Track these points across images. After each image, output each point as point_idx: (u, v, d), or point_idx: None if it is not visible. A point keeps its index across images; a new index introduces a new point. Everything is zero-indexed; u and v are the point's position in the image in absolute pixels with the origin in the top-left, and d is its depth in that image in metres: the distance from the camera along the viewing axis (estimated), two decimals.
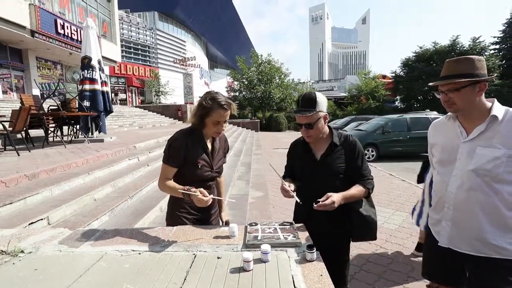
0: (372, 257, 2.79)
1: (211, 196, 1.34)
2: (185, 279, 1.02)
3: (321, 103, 1.48)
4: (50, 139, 6.15)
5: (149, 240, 1.33)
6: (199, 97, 1.58)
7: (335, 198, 1.38)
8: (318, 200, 1.38)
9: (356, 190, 1.47)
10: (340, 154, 1.51)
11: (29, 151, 4.81)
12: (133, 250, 1.24)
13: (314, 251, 1.11)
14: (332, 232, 1.56)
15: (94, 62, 6.35)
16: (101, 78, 6.48)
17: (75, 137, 6.60)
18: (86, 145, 5.73)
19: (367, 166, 1.55)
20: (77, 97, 6.25)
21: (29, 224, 2.29)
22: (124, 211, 3.04)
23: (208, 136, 1.57)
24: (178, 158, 1.47)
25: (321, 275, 1.02)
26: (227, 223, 1.78)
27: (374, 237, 1.55)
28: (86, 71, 6.26)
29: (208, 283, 0.99)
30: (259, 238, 1.28)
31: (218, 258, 1.16)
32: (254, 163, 7.59)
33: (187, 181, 1.42)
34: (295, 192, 1.48)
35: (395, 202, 4.61)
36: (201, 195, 1.30)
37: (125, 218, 2.85)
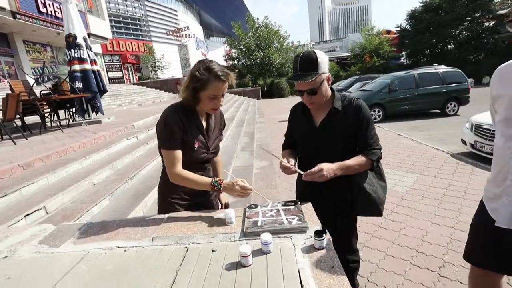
0: (383, 223, 2.67)
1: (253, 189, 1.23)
2: (173, 281, 0.87)
3: (323, 63, 1.25)
4: (48, 124, 6.00)
5: (137, 233, 1.19)
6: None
7: (323, 165, 1.22)
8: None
9: (356, 161, 1.30)
10: (342, 120, 1.33)
11: (26, 139, 4.67)
12: (118, 247, 1.10)
13: (323, 237, 0.94)
14: (335, 205, 1.44)
15: (80, 40, 5.94)
16: (89, 56, 6.11)
17: (72, 121, 6.42)
18: (84, 128, 5.57)
19: (374, 134, 1.35)
20: (67, 79, 5.96)
21: (25, 215, 2.19)
22: (124, 193, 2.93)
23: (203, 112, 1.36)
24: (177, 139, 1.25)
25: (333, 267, 0.86)
26: (226, 206, 1.63)
27: (378, 214, 1.40)
28: (73, 50, 5.87)
29: (200, 286, 0.84)
30: (259, 224, 1.12)
31: (212, 251, 1.01)
32: (257, 132, 7.41)
33: (184, 164, 1.25)
34: (295, 165, 1.32)
35: (405, 163, 4.43)
36: (242, 185, 1.19)
37: (126, 200, 2.75)
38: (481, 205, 1.20)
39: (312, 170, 1.20)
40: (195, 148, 1.30)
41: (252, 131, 7.27)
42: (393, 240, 2.40)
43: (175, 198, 1.38)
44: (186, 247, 1.05)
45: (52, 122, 6.05)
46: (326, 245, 0.96)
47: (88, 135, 4.50)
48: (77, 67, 5.87)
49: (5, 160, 3.17)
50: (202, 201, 1.46)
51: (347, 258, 1.53)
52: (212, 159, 1.59)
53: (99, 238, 1.18)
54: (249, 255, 0.90)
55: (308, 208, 1.25)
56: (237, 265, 0.92)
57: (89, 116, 6.36)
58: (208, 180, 1.23)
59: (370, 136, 1.33)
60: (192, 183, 1.25)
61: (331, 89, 1.38)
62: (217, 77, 1.21)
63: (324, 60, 1.25)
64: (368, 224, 2.66)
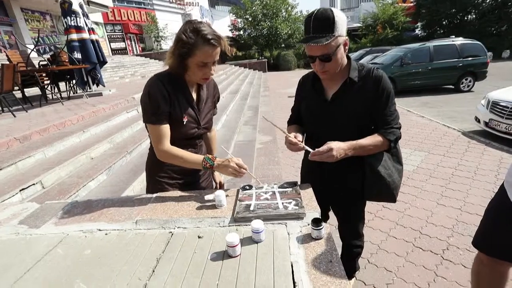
0: (387, 203, 2.57)
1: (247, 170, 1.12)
2: (153, 271, 0.79)
3: (340, 23, 1.05)
4: (49, 96, 5.89)
5: (121, 214, 1.10)
6: None
7: (333, 145, 1.07)
8: (316, 149, 1.09)
9: (371, 140, 1.15)
10: (358, 92, 1.16)
11: (26, 111, 4.60)
12: (99, 230, 1.02)
13: (321, 226, 0.84)
14: (344, 188, 1.32)
15: (75, 7, 5.63)
16: (87, 25, 5.83)
17: (73, 93, 6.30)
18: (84, 101, 5.45)
19: (394, 111, 1.19)
20: (65, 49, 5.74)
21: (21, 190, 2.16)
22: (122, 168, 2.87)
23: (193, 82, 1.21)
24: (164, 111, 1.12)
25: (331, 261, 0.76)
26: (221, 186, 1.53)
27: (392, 200, 1.28)
28: (69, 18, 5.58)
29: (180, 278, 0.75)
30: (251, 208, 1.02)
31: (199, 237, 0.92)
32: (262, 106, 7.21)
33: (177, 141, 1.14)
34: (303, 142, 1.18)
35: (413, 140, 4.26)
36: (237, 163, 1.10)
37: (124, 175, 2.69)
38: (502, 190, 1.07)
39: (320, 149, 1.06)
40: (184, 123, 1.17)
41: (257, 105, 7.07)
42: (397, 221, 2.32)
43: (163, 177, 1.27)
44: (171, 232, 0.97)
45: (53, 95, 5.94)
46: (324, 235, 0.85)
47: (87, 108, 4.40)
48: (74, 36, 5.62)
49: (2, 133, 3.11)
50: (193, 181, 1.35)
51: (351, 242, 1.46)
52: (205, 135, 1.48)
53: (81, 219, 1.10)
54: (236, 245, 0.80)
55: (307, 192, 1.14)
56: (224, 255, 0.83)
57: (90, 88, 6.22)
58: (199, 157, 1.11)
59: (390, 113, 1.17)
60: (182, 161, 1.14)
61: (347, 56, 1.19)
62: (207, 41, 1.04)
63: (342, 20, 1.05)
64: (371, 204, 2.57)
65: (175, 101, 1.14)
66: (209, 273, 0.76)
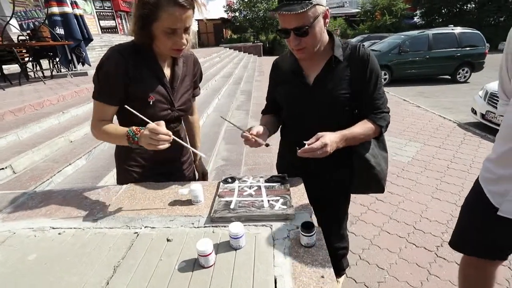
0: (381, 195, 2.48)
1: (173, 137, 0.86)
2: (107, 283, 0.65)
3: None
4: (31, 75, 5.54)
5: (82, 208, 0.95)
6: None
7: (327, 139, 0.92)
8: (305, 142, 0.93)
9: (362, 128, 1.03)
10: (344, 74, 1.02)
11: (3, 90, 4.31)
12: (52, 228, 0.87)
13: (313, 232, 0.70)
14: (330, 184, 1.19)
15: None
16: None
17: (57, 72, 5.95)
18: (68, 80, 5.15)
19: (382, 94, 1.07)
20: (46, 23, 5.36)
21: None
22: (103, 152, 2.69)
23: (164, 56, 1.03)
24: (114, 91, 0.96)
25: (323, 277, 0.62)
26: (204, 177, 1.38)
27: (381, 190, 1.18)
28: None
29: None
30: (232, 206, 0.88)
31: (167, 240, 0.78)
32: (255, 91, 6.99)
33: (134, 125, 0.93)
34: (264, 136, 1.02)
35: (408, 131, 4.16)
36: (152, 128, 0.84)
37: (104, 160, 2.51)
38: (477, 185, 0.99)
39: (314, 145, 0.91)
40: (151, 103, 1.00)
41: (250, 89, 6.85)
42: (390, 215, 2.23)
43: (132, 166, 1.12)
44: (136, 233, 0.82)
45: (35, 73, 5.59)
46: (315, 242, 0.72)
47: (70, 88, 4.13)
48: (55, 9, 5.23)
49: None
50: (171, 171, 1.20)
51: (336, 245, 1.35)
52: (186, 120, 1.31)
53: (35, 213, 0.95)
54: (209, 254, 0.66)
55: (298, 188, 1.01)
56: (195, 264, 0.69)
57: (74, 67, 5.87)
58: (123, 130, 0.92)
59: (379, 96, 1.05)
60: (109, 137, 0.98)
61: (329, 32, 1.04)
62: (172, 0, 0.85)
63: None
64: (364, 196, 2.47)
65: (136, 77, 0.97)
66: None
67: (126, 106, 0.88)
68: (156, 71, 1.01)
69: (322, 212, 1.21)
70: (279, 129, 1.24)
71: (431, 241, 1.92)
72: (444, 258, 1.76)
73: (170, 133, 0.84)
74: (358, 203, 2.38)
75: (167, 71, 1.06)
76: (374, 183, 1.14)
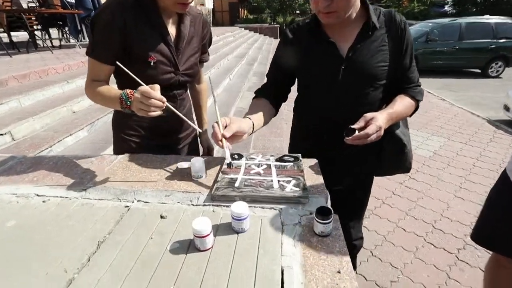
0: (398, 189, 2.37)
1: (166, 104, 0.76)
2: (88, 260, 0.58)
3: None
4: (39, 43, 5.53)
5: (72, 177, 0.89)
6: None
7: (381, 121, 0.84)
8: (353, 127, 0.83)
9: (403, 104, 0.96)
10: (381, 43, 0.93)
11: (10, 57, 4.30)
12: (37, 195, 0.80)
13: (330, 220, 0.60)
14: (352, 173, 1.11)
15: None
16: None
17: (66, 42, 5.92)
18: (76, 51, 5.11)
19: (415, 65, 1.01)
20: None
21: None
22: (106, 125, 2.64)
23: (170, 12, 0.94)
24: (109, 46, 0.88)
25: (339, 272, 0.53)
26: (210, 152, 1.31)
27: (408, 170, 1.15)
28: None
29: (121, 277, 0.54)
30: (237, 184, 0.80)
31: (161, 217, 0.70)
32: None
33: (131, 88, 0.84)
34: (236, 138, 0.84)
35: (431, 124, 3.96)
36: (144, 90, 0.74)
37: (106, 133, 2.47)
38: (504, 177, 0.93)
39: (368, 130, 0.82)
40: (152, 64, 0.91)
41: (263, 71, 6.69)
42: (407, 211, 2.12)
43: (130, 135, 1.06)
44: (127, 206, 0.75)
45: (43, 42, 5.57)
46: (331, 231, 0.62)
47: (77, 58, 4.09)
48: None
49: None
50: (172, 144, 1.13)
51: (355, 236, 1.27)
52: (192, 88, 1.23)
53: (21, 179, 0.89)
54: (206, 235, 0.58)
55: (313, 169, 0.92)
56: (190, 246, 0.61)
57: (84, 38, 5.84)
58: (117, 93, 0.83)
59: (414, 68, 0.99)
60: (102, 99, 0.90)
61: None
62: None
63: None
64: (380, 188, 2.36)
65: (135, 33, 0.88)
66: (164, 272, 0.54)
67: (117, 62, 0.78)
68: (159, 27, 0.91)
69: (341, 206, 1.13)
70: (293, 110, 1.15)
71: (452, 242, 1.81)
72: (467, 262, 1.65)
73: (164, 99, 0.74)
74: (372, 196, 2.26)
75: (171, 30, 0.96)
76: (403, 163, 1.10)
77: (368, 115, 0.85)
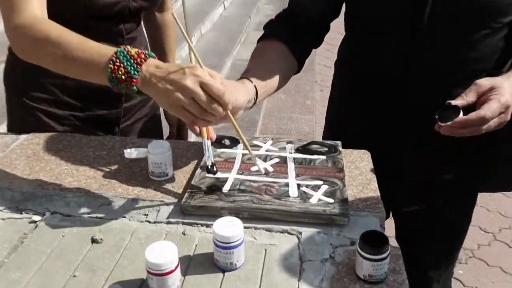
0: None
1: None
2: None
3: None
4: None
5: None
6: None
7: (508, 95, 0.87)
8: (451, 103, 0.86)
9: None
10: None
11: None
12: None
13: (384, 254, 0.64)
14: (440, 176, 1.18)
15: None
16: None
17: None
18: None
19: None
20: None
21: None
22: None
23: None
24: None
25: None
26: (180, 133, 1.43)
27: None
28: None
29: None
30: (226, 189, 0.87)
31: (93, 241, 0.76)
32: None
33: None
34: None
35: None
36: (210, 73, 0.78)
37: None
38: None
39: (485, 110, 0.85)
40: None
41: None
42: None
43: (40, 101, 1.13)
44: (33, 222, 0.81)
45: None
46: (386, 274, 0.67)
47: None
48: None
49: None
50: (114, 117, 1.23)
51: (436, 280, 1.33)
52: (149, 21, 1.33)
53: None
54: (169, 272, 0.62)
55: (361, 167, 0.99)
56: None
57: None
58: (102, 50, 0.84)
59: None
60: (60, 57, 0.89)
61: None
62: None
63: None
64: (489, 214, 2.40)
65: None
66: None
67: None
68: None
69: (412, 240, 1.23)
70: (336, 65, 1.23)
71: None
72: None
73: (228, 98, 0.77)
74: (476, 225, 2.34)
75: None
76: None
77: (483, 82, 0.88)
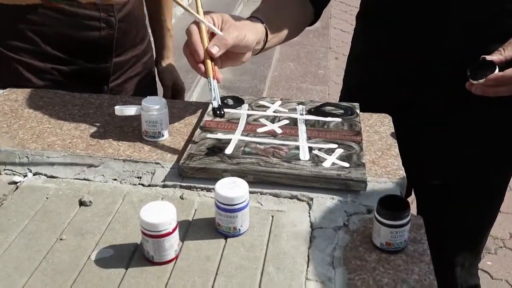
0: None
1: None
2: None
3: None
4: None
5: None
6: None
7: None
8: (486, 58, 0.86)
9: None
10: None
11: None
12: None
13: (405, 219, 0.65)
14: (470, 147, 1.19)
15: None
16: None
17: None
18: None
19: None
20: None
21: None
22: None
23: None
24: None
25: None
26: (177, 91, 1.46)
27: None
28: None
29: None
30: (229, 151, 0.88)
31: (81, 204, 0.78)
32: None
33: None
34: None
35: None
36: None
37: None
38: None
39: None
40: None
41: None
42: None
43: (19, 51, 1.15)
44: (14, 182, 0.83)
45: None
46: (406, 243, 0.67)
47: None
48: None
49: None
50: (102, 70, 1.24)
51: (455, 276, 1.34)
52: None
53: None
54: (167, 234, 0.62)
55: (381, 132, 1.01)
56: (133, 256, 0.66)
57: None
58: None
59: None
60: None
61: None
62: None
63: None
64: None
65: None
66: None
67: None
68: None
69: (437, 221, 1.22)
70: (358, 18, 1.25)
71: None
72: None
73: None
74: (507, 211, 2.37)
75: None
76: None
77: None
